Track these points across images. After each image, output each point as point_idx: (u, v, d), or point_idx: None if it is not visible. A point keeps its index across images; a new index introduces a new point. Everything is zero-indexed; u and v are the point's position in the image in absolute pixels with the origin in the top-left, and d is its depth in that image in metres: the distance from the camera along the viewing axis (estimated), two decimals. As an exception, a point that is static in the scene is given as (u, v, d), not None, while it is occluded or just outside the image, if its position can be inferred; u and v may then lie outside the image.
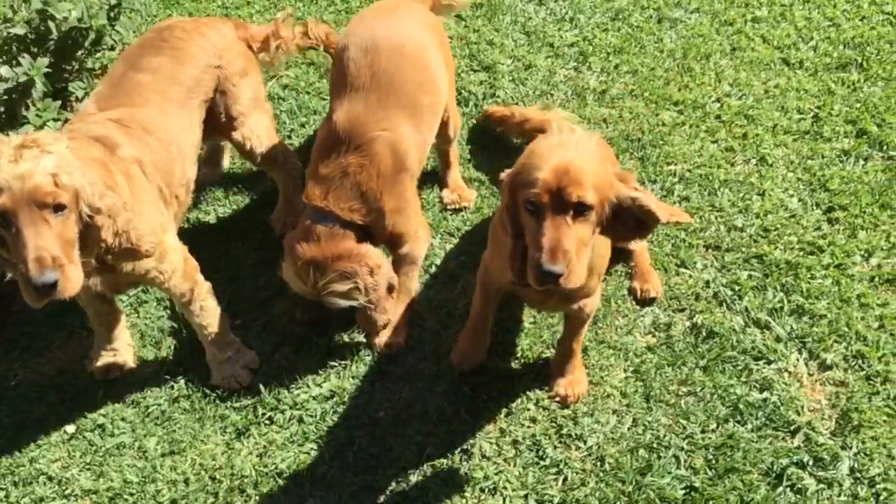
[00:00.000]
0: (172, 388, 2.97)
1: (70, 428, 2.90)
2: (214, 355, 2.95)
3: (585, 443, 2.75)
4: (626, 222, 2.16)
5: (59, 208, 2.21)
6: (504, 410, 2.85)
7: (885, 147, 3.56)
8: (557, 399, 2.85)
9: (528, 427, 2.81)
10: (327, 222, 2.77)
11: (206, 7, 4.52)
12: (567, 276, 2.07)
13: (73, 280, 2.25)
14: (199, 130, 3.02)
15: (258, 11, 4.45)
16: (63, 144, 2.28)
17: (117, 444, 2.84)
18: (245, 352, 3.00)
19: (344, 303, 2.78)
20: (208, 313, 2.90)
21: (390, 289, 2.86)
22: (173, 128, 2.85)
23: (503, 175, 2.26)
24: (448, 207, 3.45)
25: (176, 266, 2.75)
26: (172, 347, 3.11)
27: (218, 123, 3.10)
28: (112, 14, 3.70)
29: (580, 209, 2.08)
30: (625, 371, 2.92)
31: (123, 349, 3.03)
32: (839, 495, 2.58)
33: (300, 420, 2.85)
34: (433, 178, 3.57)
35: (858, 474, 2.62)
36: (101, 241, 2.35)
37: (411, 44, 2.91)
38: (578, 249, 2.10)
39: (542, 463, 2.72)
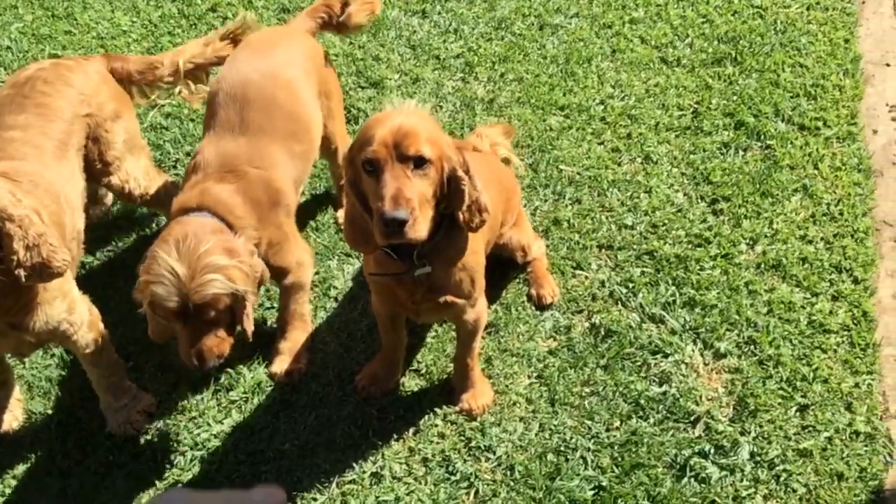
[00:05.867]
0: (65, 440, 2.84)
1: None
2: (110, 403, 2.83)
3: (495, 453, 2.75)
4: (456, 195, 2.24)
5: None
6: (412, 429, 2.83)
7: (762, 137, 3.69)
8: (464, 413, 2.84)
9: (437, 443, 2.79)
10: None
11: (80, 39, 4.37)
12: (412, 224, 2.09)
13: None
14: (81, 179, 2.88)
15: (135, 40, 4.33)
16: None
17: (9, 503, 2.71)
18: (141, 396, 2.89)
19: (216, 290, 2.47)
20: (110, 363, 2.79)
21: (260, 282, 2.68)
22: (58, 179, 2.71)
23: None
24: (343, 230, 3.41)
25: (84, 317, 2.64)
26: (62, 397, 2.97)
27: (93, 170, 2.95)
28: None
29: (419, 162, 2.12)
30: (529, 377, 2.94)
31: (13, 404, 2.89)
32: (741, 480, 2.65)
33: (202, 460, 2.77)
34: (326, 199, 3.53)
35: (758, 458, 2.70)
36: (12, 252, 2.23)
37: (283, 93, 2.82)
38: (421, 204, 2.13)
39: (452, 478, 2.70)
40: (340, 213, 3.44)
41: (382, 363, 2.90)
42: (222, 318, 2.49)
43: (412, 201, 2.09)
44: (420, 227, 2.12)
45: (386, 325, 2.79)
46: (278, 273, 2.81)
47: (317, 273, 3.26)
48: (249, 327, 2.55)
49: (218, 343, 2.49)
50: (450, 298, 2.47)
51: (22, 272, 2.29)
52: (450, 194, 2.25)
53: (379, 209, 2.09)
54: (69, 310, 2.57)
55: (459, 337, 2.76)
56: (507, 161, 3.29)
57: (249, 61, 2.86)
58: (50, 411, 2.93)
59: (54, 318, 2.52)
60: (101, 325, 2.75)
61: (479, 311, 2.65)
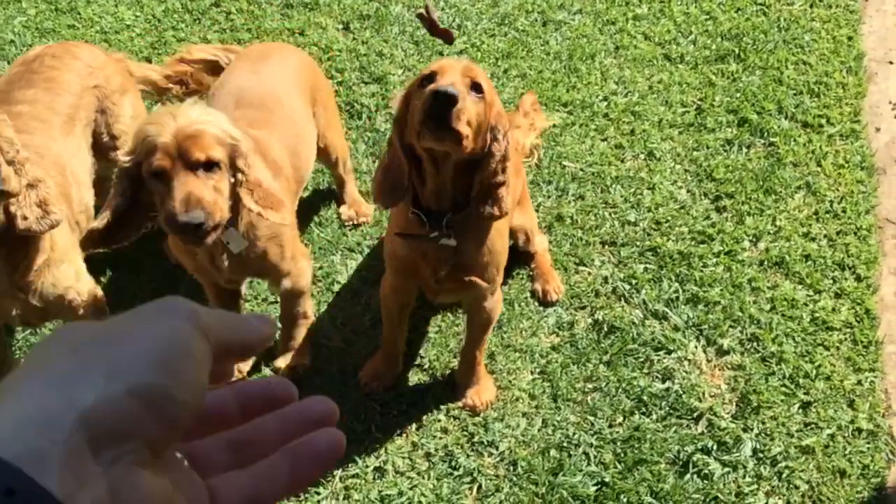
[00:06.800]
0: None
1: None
2: None
3: (497, 448, 2.76)
4: None
5: None
6: (415, 424, 2.83)
7: (765, 134, 3.70)
8: (467, 409, 2.85)
9: (440, 438, 2.80)
10: None
11: (84, 33, 4.36)
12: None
13: None
14: (89, 156, 2.91)
15: (139, 35, 4.32)
16: None
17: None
18: None
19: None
20: None
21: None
22: (64, 153, 2.75)
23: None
24: (346, 224, 3.41)
25: (90, 291, 2.65)
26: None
27: (100, 143, 2.99)
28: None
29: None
30: (532, 373, 2.95)
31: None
32: (744, 477, 2.65)
33: (206, 454, 2.77)
34: (329, 195, 3.53)
35: (761, 454, 2.71)
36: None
37: (275, 107, 2.79)
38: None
39: (455, 473, 2.71)
40: (343, 208, 3.44)
41: (383, 359, 2.91)
42: (216, 175, 2.24)
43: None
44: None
45: (393, 315, 2.78)
46: (274, 274, 2.74)
47: (320, 268, 3.26)
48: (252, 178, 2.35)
49: (207, 192, 2.19)
50: (474, 279, 2.46)
51: (19, 213, 2.27)
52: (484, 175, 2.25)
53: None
54: (76, 277, 2.57)
55: (472, 327, 2.74)
56: (535, 147, 3.40)
57: (242, 74, 2.86)
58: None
59: (61, 282, 2.51)
60: (105, 307, 2.75)
61: (497, 300, 2.65)
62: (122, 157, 2.23)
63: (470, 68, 2.16)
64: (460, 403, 2.85)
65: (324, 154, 3.16)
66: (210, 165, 2.18)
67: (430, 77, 2.14)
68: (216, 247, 2.43)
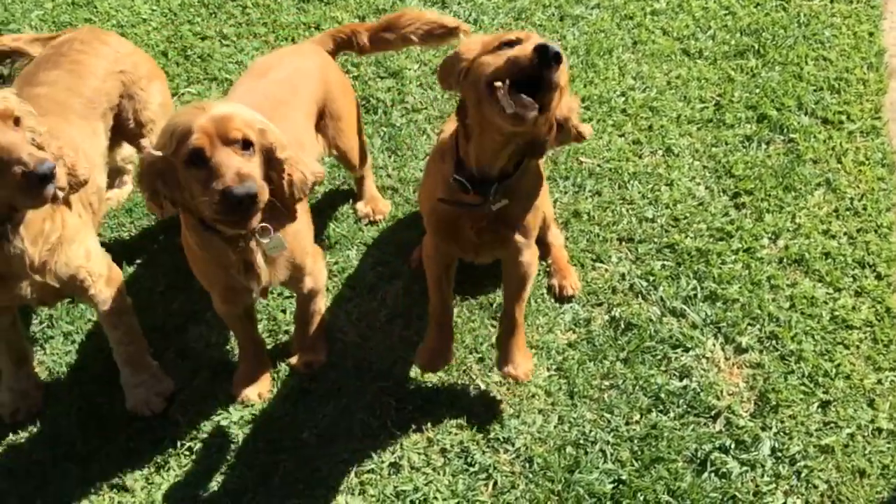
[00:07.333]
0: (85, 427, 2.85)
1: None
2: (128, 378, 2.85)
3: (513, 445, 2.74)
4: None
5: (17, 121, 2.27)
6: (430, 419, 2.82)
7: (785, 130, 3.66)
8: (509, 378, 2.77)
9: (456, 434, 2.78)
10: None
11: (100, 27, 4.36)
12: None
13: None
14: (104, 139, 2.95)
15: (155, 28, 4.32)
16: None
17: (30, 489, 2.71)
18: (161, 378, 2.89)
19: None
20: (130, 328, 2.82)
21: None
22: (78, 135, 2.78)
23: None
24: (362, 220, 3.40)
25: (102, 271, 2.69)
26: (83, 384, 2.98)
27: (125, 129, 3.03)
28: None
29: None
30: (548, 369, 2.93)
31: (32, 390, 2.90)
32: (762, 476, 2.63)
33: (221, 448, 2.77)
34: (346, 190, 3.52)
35: (779, 454, 2.68)
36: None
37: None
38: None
39: (471, 469, 2.70)
40: (360, 205, 3.43)
41: (436, 334, 2.74)
42: (253, 157, 2.21)
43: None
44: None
45: (439, 278, 2.67)
46: (301, 274, 2.70)
47: (335, 263, 3.25)
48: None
49: (253, 168, 2.17)
50: (517, 236, 2.46)
51: (62, 193, 2.34)
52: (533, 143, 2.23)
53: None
54: (86, 256, 2.62)
55: (510, 283, 2.64)
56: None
57: (245, 84, 2.83)
58: (70, 397, 2.94)
59: (73, 261, 2.57)
60: (122, 286, 2.79)
61: (534, 254, 2.61)
62: (152, 151, 2.22)
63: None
64: (503, 372, 2.73)
65: (340, 160, 3.17)
66: (246, 145, 2.17)
67: (512, 43, 2.03)
68: (252, 252, 2.42)
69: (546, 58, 1.91)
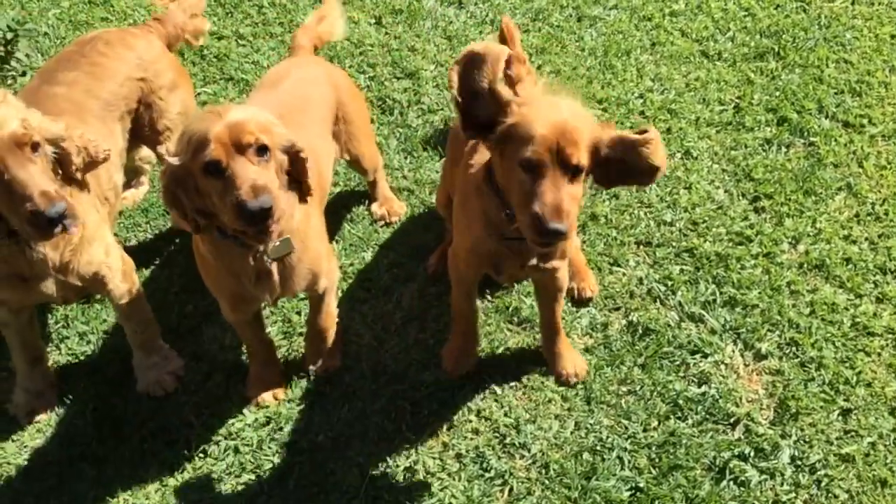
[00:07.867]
0: (100, 427, 2.84)
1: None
2: (141, 360, 2.91)
3: (529, 451, 2.72)
4: (611, 171, 2.20)
5: (35, 147, 2.25)
6: (446, 424, 2.80)
7: (805, 133, 3.62)
8: (563, 379, 2.85)
9: (471, 439, 2.76)
10: None
11: (117, 26, 4.36)
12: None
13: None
14: (121, 140, 2.95)
15: (171, 28, 4.31)
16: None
17: (45, 489, 2.71)
18: (172, 358, 2.95)
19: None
20: (143, 318, 2.87)
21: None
22: (94, 134, 2.76)
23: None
24: (377, 222, 3.38)
25: (118, 264, 2.73)
26: (97, 384, 2.97)
27: (142, 134, 3.04)
28: (9, 38, 3.56)
29: (576, 171, 2.11)
30: (565, 375, 2.90)
31: (47, 390, 2.90)
32: (781, 484, 2.60)
33: (236, 450, 2.76)
34: (361, 191, 3.50)
35: (799, 462, 2.65)
36: (71, 164, 2.38)
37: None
38: (574, 208, 2.13)
39: (486, 475, 2.68)
40: (374, 206, 3.41)
41: (461, 338, 2.86)
42: (269, 163, 2.23)
43: (571, 214, 2.08)
44: (573, 234, 2.22)
45: (468, 291, 2.76)
46: (317, 275, 2.67)
47: (351, 265, 3.24)
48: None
49: (269, 178, 2.19)
50: (556, 264, 2.53)
51: (79, 174, 2.43)
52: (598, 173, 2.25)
53: (537, 216, 2.07)
54: (106, 252, 2.66)
55: (547, 298, 2.75)
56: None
57: (257, 99, 2.83)
58: (85, 398, 2.94)
59: (95, 258, 2.61)
60: (135, 277, 2.83)
61: (566, 266, 2.68)
62: (169, 158, 2.21)
63: (573, 146, 2.09)
64: (559, 373, 2.84)
65: (352, 164, 3.19)
66: (262, 150, 2.17)
67: (531, 163, 2.08)
68: (262, 261, 2.42)
69: (549, 238, 2.09)
